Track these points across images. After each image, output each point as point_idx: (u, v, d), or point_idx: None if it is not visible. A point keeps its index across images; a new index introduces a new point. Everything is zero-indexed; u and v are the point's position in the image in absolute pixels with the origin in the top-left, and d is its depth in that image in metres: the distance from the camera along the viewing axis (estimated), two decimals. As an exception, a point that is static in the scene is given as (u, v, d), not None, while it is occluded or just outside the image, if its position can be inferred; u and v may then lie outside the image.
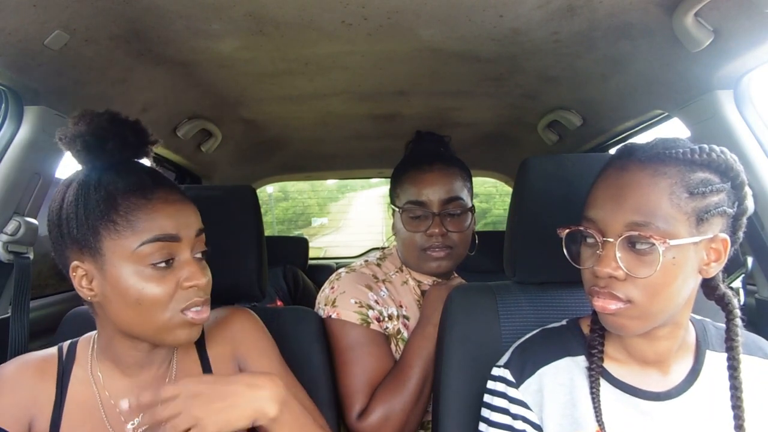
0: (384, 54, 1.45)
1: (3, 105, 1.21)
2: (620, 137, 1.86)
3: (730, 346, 0.84)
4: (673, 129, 1.56)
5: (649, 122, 1.67)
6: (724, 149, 0.79)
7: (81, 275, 0.83)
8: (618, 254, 0.75)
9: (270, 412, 0.81)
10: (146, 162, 0.91)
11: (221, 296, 1.20)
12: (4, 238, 1.19)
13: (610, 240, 0.76)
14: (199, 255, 0.88)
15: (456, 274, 1.50)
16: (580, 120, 1.88)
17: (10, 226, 1.20)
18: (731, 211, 0.79)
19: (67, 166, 1.31)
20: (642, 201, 0.75)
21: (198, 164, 2.27)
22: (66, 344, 0.95)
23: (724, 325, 0.87)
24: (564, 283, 1.10)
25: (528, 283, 1.13)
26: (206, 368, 0.95)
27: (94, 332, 0.94)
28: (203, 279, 0.85)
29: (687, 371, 0.86)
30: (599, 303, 0.79)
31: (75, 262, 0.83)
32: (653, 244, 0.74)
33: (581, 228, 0.81)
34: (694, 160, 0.77)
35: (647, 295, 0.76)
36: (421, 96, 1.85)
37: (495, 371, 0.93)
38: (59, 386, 0.89)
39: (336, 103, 1.90)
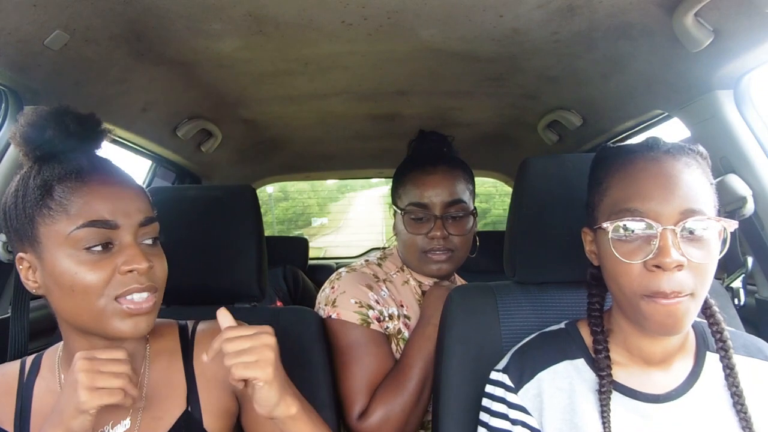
0: (384, 54, 1.45)
1: (3, 105, 1.21)
2: (620, 137, 1.85)
3: (719, 338, 0.85)
4: (673, 129, 1.56)
5: (649, 122, 1.67)
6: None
7: (26, 267, 0.81)
8: (679, 241, 0.75)
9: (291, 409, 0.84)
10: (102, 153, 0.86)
11: (221, 296, 1.20)
12: (4, 238, 1.19)
13: (671, 227, 0.74)
14: (148, 241, 0.83)
15: (456, 275, 1.50)
16: (580, 120, 1.88)
17: (10, 226, 1.20)
18: None
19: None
20: (692, 188, 0.77)
21: (198, 164, 2.26)
22: (30, 357, 0.93)
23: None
24: (564, 283, 1.10)
25: (528, 283, 1.13)
26: (190, 381, 0.90)
27: (62, 342, 0.90)
28: (143, 263, 0.78)
29: (687, 373, 0.86)
30: (665, 307, 0.74)
31: (19, 254, 0.81)
32: (722, 228, 0.76)
33: (638, 219, 0.77)
34: (701, 153, 0.82)
35: (702, 281, 0.75)
36: (421, 96, 1.85)
37: (493, 375, 0.92)
38: (19, 398, 0.86)
39: (336, 103, 1.90)
